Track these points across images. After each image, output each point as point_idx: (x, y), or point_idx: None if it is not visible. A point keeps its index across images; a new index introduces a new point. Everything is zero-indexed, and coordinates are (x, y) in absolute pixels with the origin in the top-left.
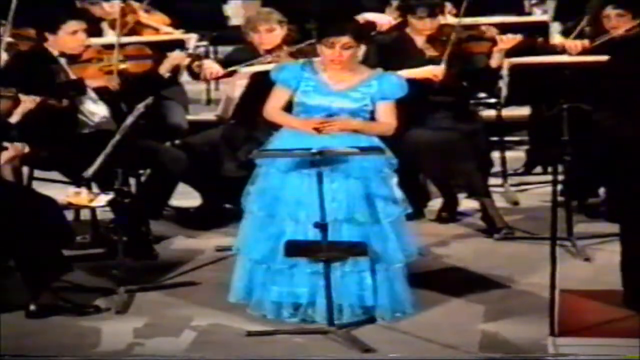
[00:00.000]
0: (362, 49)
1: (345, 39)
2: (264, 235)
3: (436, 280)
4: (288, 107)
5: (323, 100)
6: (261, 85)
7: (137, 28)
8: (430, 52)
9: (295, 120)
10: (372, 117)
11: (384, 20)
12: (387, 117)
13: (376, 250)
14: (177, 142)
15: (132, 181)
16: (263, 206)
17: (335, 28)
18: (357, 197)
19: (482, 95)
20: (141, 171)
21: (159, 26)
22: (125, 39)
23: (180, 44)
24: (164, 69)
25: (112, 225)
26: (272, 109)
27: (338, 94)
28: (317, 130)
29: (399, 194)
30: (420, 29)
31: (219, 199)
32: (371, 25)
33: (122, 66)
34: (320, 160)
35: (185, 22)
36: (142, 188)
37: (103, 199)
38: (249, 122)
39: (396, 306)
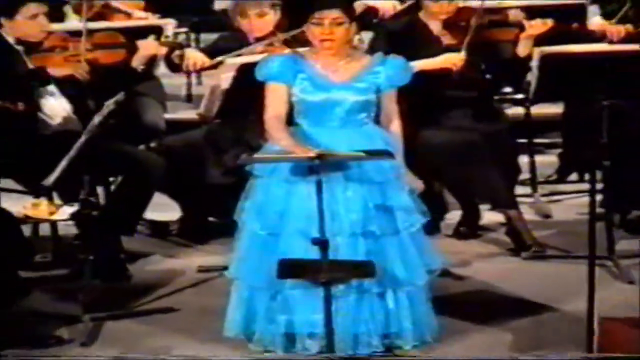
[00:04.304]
0: (357, 36)
1: (335, 13)
2: (267, 257)
3: (455, 306)
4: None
5: (324, 95)
6: (251, 79)
7: (106, 12)
8: (448, 40)
9: (299, 148)
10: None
11: (388, 5)
12: (394, 110)
13: (395, 267)
14: (153, 144)
15: (100, 190)
16: (265, 224)
17: (323, 1)
18: (374, 206)
19: (508, 90)
20: (111, 178)
21: (132, 10)
22: (93, 25)
23: (156, 31)
24: (138, 60)
25: (77, 242)
26: (276, 119)
27: (341, 86)
28: None
29: (415, 202)
30: (435, 13)
31: (201, 211)
32: (373, 11)
33: (91, 55)
34: (319, 166)
35: (162, 5)
36: (113, 198)
37: (66, 211)
38: (236, 121)
39: (416, 333)
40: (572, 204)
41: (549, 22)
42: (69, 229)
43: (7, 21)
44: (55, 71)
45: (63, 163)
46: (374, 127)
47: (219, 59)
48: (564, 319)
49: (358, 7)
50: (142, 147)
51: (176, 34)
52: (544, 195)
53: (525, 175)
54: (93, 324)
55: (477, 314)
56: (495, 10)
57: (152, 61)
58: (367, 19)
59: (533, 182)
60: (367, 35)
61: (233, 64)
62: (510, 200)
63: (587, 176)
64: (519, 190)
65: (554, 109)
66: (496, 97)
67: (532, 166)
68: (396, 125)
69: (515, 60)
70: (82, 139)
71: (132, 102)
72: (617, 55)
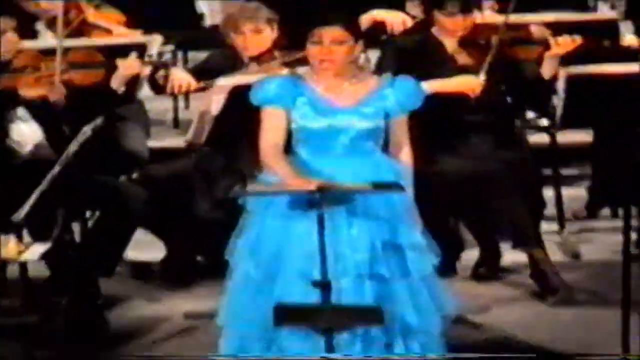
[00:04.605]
0: (362, 55)
1: (336, 31)
2: (262, 302)
3: (473, 357)
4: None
5: (327, 121)
6: (244, 103)
7: (83, 28)
8: (463, 59)
9: (299, 179)
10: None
11: (398, 19)
12: (404, 137)
13: (405, 313)
14: (134, 175)
15: (75, 226)
16: (260, 265)
17: (322, 17)
18: (383, 245)
19: (531, 114)
20: (88, 213)
21: (112, 26)
22: (69, 42)
23: (139, 49)
24: (118, 81)
25: (49, 285)
26: (272, 148)
27: (345, 110)
28: None
29: (427, 240)
30: (450, 29)
31: (188, 249)
32: (381, 26)
33: (66, 76)
34: (321, 199)
35: (145, 20)
36: (89, 235)
37: (37, 250)
38: (228, 149)
39: None
40: (603, 242)
41: (577, 40)
42: (40, 270)
43: None
44: (26, 93)
45: (34, 196)
46: (382, 157)
47: (208, 82)
48: None
49: (364, 22)
50: (122, 178)
51: (161, 52)
52: (572, 232)
53: (551, 210)
54: None
55: None
56: (516, 26)
57: (134, 82)
58: (374, 36)
59: (560, 218)
60: (374, 54)
61: (225, 86)
62: (535, 238)
63: (620, 212)
64: (544, 226)
65: (583, 136)
66: (518, 123)
67: (559, 200)
68: (406, 154)
69: (539, 82)
70: (56, 169)
71: (112, 127)
72: None
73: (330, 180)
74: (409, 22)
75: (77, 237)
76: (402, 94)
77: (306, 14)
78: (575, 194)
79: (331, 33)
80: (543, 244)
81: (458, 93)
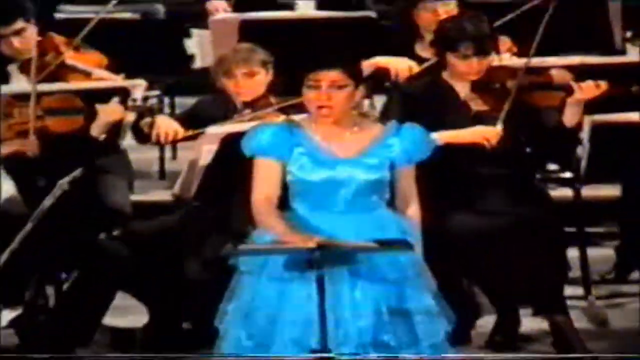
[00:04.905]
0: (366, 101)
1: (335, 74)
2: None
3: None
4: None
5: (327, 173)
6: (237, 152)
7: (60, 71)
8: (478, 106)
9: (296, 236)
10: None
11: (403, 66)
12: (411, 191)
13: None
14: (116, 232)
15: (49, 290)
16: (253, 332)
17: (320, 59)
18: (389, 310)
19: (553, 167)
20: (63, 275)
21: (92, 69)
22: (45, 86)
23: (121, 93)
24: (98, 129)
25: (19, 355)
26: (266, 202)
27: (346, 162)
28: None
29: (439, 304)
30: (463, 73)
31: (174, 315)
32: (385, 72)
33: (41, 123)
34: (321, 259)
35: (128, 62)
36: (64, 300)
37: (6, 316)
38: (219, 204)
39: None
40: (633, 308)
41: (603, 85)
42: (9, 339)
43: None
44: None
45: (3, 257)
46: (387, 212)
47: (197, 131)
48: None
49: (366, 68)
50: (102, 235)
51: (146, 98)
52: (599, 297)
53: (575, 272)
54: None
55: None
56: (536, 70)
57: (116, 130)
58: (377, 82)
59: (585, 282)
60: (379, 99)
61: (216, 135)
62: (557, 304)
63: None
64: (568, 290)
65: (610, 190)
66: (539, 176)
67: (584, 261)
68: (414, 209)
69: (561, 131)
70: (29, 226)
71: (91, 180)
72: None
73: (331, 238)
74: (415, 69)
75: (51, 301)
76: (409, 142)
77: (304, 56)
78: (603, 255)
79: (330, 76)
80: (566, 309)
81: (472, 144)
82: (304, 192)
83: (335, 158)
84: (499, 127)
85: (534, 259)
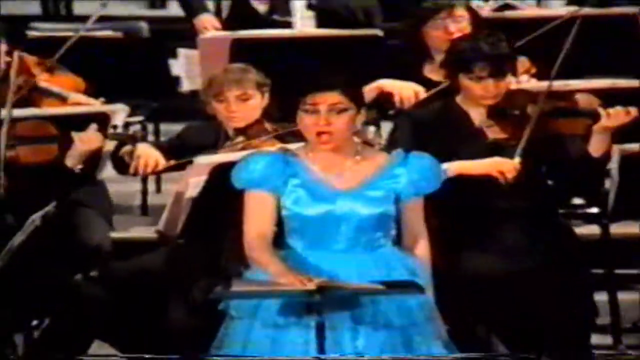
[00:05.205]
0: (371, 128)
1: (334, 97)
2: None
3: None
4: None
5: (326, 207)
6: (228, 185)
7: (35, 96)
8: (494, 133)
9: (293, 277)
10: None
11: (409, 92)
12: (420, 227)
13: None
14: (93, 273)
15: (18, 338)
16: None
17: (319, 82)
18: None
19: (578, 201)
20: (34, 321)
21: (68, 93)
22: (16, 112)
23: (100, 120)
24: (74, 159)
25: None
26: (260, 239)
27: (348, 194)
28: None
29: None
30: (478, 97)
31: None
32: (389, 98)
33: (11, 153)
34: (321, 303)
35: (109, 85)
36: (35, 348)
37: None
38: (208, 242)
39: None
40: None
41: (633, 111)
42: None
43: None
44: None
45: None
46: (393, 250)
47: (183, 160)
48: None
49: (369, 92)
50: (78, 276)
51: (127, 124)
52: (630, 347)
53: (604, 319)
54: None
55: None
56: (560, 94)
57: (94, 160)
58: (381, 109)
59: (615, 329)
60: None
61: (204, 165)
62: (584, 354)
63: None
64: (595, 338)
65: None
66: (562, 211)
67: (614, 307)
68: (423, 247)
69: (587, 161)
70: None
71: (66, 215)
72: None
73: (331, 279)
74: (422, 95)
75: (19, 350)
76: (416, 173)
77: (302, 78)
78: (634, 299)
79: (329, 99)
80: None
81: (488, 176)
82: (301, 228)
83: (335, 190)
84: (517, 160)
85: (557, 304)
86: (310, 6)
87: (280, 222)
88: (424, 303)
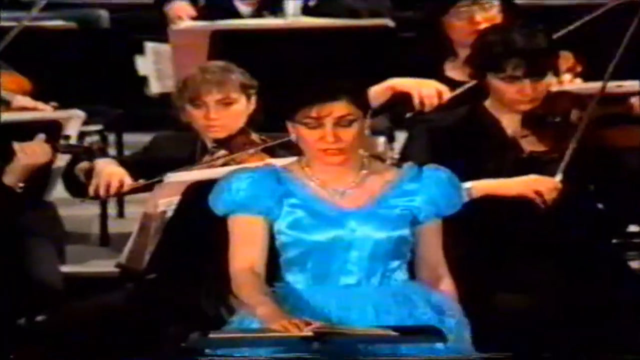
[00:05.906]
0: (382, 138)
1: (342, 107)
2: None
3: None
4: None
5: (331, 232)
6: (206, 208)
7: None
8: (531, 145)
9: (287, 320)
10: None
11: (430, 91)
12: (439, 256)
13: None
14: (41, 317)
15: None
16: None
17: (321, 89)
18: None
19: (634, 228)
20: None
21: (11, 95)
22: None
23: (50, 129)
24: (15, 176)
25: None
26: (248, 274)
27: (356, 214)
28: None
29: None
30: (512, 101)
31: None
32: (404, 100)
33: None
34: (321, 351)
35: (61, 87)
36: None
37: None
38: (181, 277)
39: None
40: None
41: None
42: None
43: None
44: None
45: None
46: (414, 284)
47: (154, 180)
48: None
49: (379, 94)
50: (22, 321)
51: (83, 134)
52: None
53: None
54: None
55: None
56: (612, 98)
57: (41, 178)
58: (394, 114)
59: None
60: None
61: (177, 184)
62: None
63: None
64: None
65: None
66: (615, 241)
67: None
68: (448, 281)
69: None
70: None
71: (8, 245)
72: None
73: (335, 322)
74: (446, 95)
75: None
76: (433, 188)
77: (296, 78)
78: None
79: (336, 111)
80: None
81: (521, 197)
82: (302, 258)
83: (342, 210)
84: (558, 178)
85: (610, 350)
86: (306, 9)
87: (273, 252)
88: (452, 352)
